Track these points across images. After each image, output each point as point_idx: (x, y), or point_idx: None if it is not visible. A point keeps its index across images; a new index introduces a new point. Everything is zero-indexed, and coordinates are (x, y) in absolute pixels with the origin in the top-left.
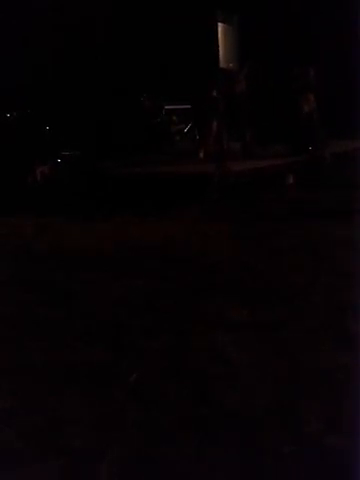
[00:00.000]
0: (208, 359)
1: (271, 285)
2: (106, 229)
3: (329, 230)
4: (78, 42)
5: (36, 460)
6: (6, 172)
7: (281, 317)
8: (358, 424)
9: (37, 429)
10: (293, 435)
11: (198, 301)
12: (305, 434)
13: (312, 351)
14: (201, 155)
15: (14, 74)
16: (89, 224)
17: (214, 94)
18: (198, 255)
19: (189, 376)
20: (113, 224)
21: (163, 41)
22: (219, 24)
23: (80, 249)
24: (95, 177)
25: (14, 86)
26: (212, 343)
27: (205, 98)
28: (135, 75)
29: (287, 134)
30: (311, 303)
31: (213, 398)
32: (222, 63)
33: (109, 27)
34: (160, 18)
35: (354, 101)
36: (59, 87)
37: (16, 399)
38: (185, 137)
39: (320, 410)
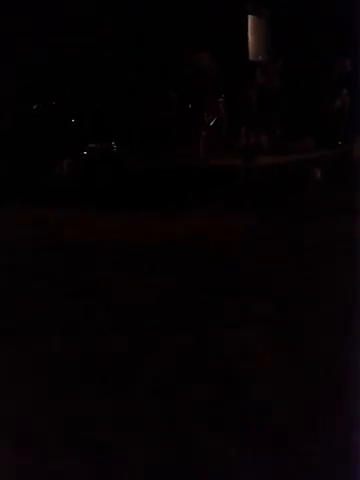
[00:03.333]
0: (229, 356)
1: (290, 282)
2: (131, 222)
3: (348, 228)
4: (106, 33)
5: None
6: (33, 164)
7: (300, 315)
8: None
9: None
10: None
11: (220, 296)
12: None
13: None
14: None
15: (40, 65)
16: (113, 217)
17: (243, 87)
18: (221, 250)
19: (210, 373)
20: (138, 217)
21: (192, 33)
22: (249, 16)
23: (104, 243)
24: (121, 170)
25: (40, 78)
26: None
27: (234, 91)
28: (163, 67)
29: (317, 128)
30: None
31: (235, 394)
32: (252, 56)
33: (137, 17)
34: (189, 9)
35: None
36: (86, 79)
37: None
38: (212, 130)
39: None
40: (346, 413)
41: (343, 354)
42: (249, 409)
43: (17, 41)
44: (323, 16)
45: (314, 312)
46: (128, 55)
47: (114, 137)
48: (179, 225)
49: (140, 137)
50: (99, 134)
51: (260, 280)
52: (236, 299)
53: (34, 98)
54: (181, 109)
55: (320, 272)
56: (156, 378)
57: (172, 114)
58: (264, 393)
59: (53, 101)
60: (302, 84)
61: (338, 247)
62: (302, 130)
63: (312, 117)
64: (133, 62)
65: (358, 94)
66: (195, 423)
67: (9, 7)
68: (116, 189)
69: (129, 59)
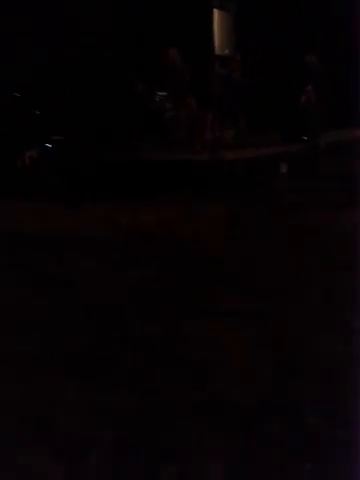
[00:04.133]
0: (199, 346)
1: (257, 273)
2: (96, 214)
3: (312, 219)
4: (70, 27)
5: None
6: None
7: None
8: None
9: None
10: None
11: (189, 288)
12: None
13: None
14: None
15: (3, 58)
16: (78, 209)
17: (210, 81)
18: (188, 240)
19: (181, 362)
20: (103, 209)
21: (158, 26)
22: (215, 10)
23: (71, 234)
24: (85, 162)
25: (2, 70)
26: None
27: (201, 85)
28: (128, 60)
29: (282, 123)
30: (298, 292)
31: (204, 383)
32: (217, 50)
33: (101, 12)
34: (155, 4)
35: (353, 90)
36: (49, 71)
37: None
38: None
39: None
40: (312, 397)
41: (312, 341)
42: (217, 394)
43: None
44: (290, 12)
45: (281, 300)
46: (98, 50)
47: (77, 129)
48: (147, 216)
49: (107, 130)
50: (64, 126)
51: (227, 270)
52: (203, 290)
53: None
54: (151, 102)
55: (287, 261)
56: (125, 368)
57: (139, 106)
58: (231, 379)
59: (17, 93)
60: (268, 79)
61: (305, 237)
62: (268, 125)
63: (278, 112)
64: (102, 56)
65: (323, 90)
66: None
67: None
68: (81, 181)
69: (98, 54)
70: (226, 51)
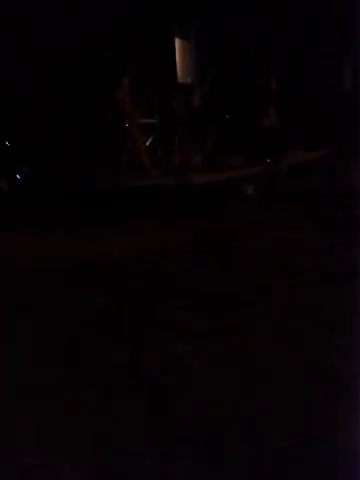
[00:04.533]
0: (165, 369)
1: (226, 293)
2: (62, 242)
3: (281, 237)
4: (43, 58)
5: None
6: None
7: (236, 323)
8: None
9: None
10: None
11: (157, 312)
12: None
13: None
14: (159, 168)
15: None
16: (44, 238)
17: (173, 108)
18: (156, 266)
19: (145, 387)
20: (69, 237)
21: (123, 55)
22: (176, 39)
23: (34, 262)
24: (52, 192)
25: None
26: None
27: (165, 112)
28: (96, 89)
29: (246, 146)
30: (264, 309)
31: (168, 408)
32: (180, 78)
33: (70, 43)
34: (120, 35)
35: (313, 112)
36: (19, 103)
37: None
38: (147, 150)
39: (276, 415)
40: (281, 414)
41: (279, 358)
42: (185, 417)
43: None
44: (248, 37)
45: (248, 321)
46: (60, 80)
47: (45, 160)
48: (115, 243)
49: (74, 158)
50: (31, 157)
51: (196, 293)
52: (172, 312)
53: None
54: (116, 130)
55: (257, 282)
56: (91, 396)
57: (107, 134)
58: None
59: None
60: (231, 104)
61: (274, 256)
62: (232, 148)
63: (242, 136)
64: (66, 87)
65: (284, 112)
66: (127, 438)
67: None
68: (50, 210)
69: (61, 83)
70: (188, 79)
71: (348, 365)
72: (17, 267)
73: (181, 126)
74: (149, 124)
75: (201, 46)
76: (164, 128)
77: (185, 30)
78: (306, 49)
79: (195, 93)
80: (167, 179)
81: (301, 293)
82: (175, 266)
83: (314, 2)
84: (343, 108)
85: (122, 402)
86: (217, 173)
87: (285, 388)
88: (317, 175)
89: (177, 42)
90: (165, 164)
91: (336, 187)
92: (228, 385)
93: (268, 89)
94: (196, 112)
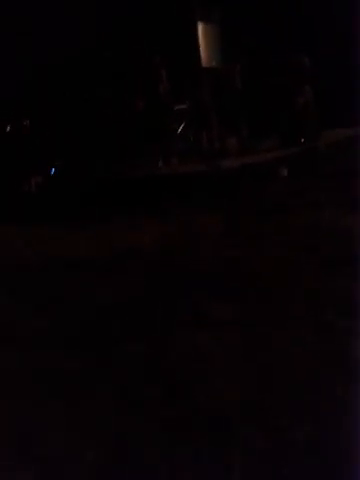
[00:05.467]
0: (190, 359)
1: (260, 284)
2: (102, 234)
3: (313, 220)
4: (66, 47)
5: None
6: (1, 182)
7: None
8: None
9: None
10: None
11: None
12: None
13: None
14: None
15: (11, 84)
16: (83, 231)
17: (202, 93)
18: (191, 257)
19: (169, 377)
20: (108, 229)
21: (147, 41)
22: (200, 23)
23: (71, 256)
24: (89, 183)
25: (11, 96)
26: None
27: (194, 97)
28: (126, 78)
29: (280, 127)
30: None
31: (190, 398)
32: (204, 62)
33: (94, 30)
34: (141, 20)
35: (349, 89)
36: (52, 96)
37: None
38: (180, 137)
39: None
40: (298, 407)
41: (295, 351)
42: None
43: None
44: (277, 15)
45: (273, 312)
46: (84, 67)
47: (80, 152)
48: (148, 235)
49: (106, 150)
50: (66, 149)
51: (227, 282)
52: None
53: (4, 116)
54: (147, 118)
55: (285, 271)
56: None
57: (138, 123)
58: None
59: (24, 119)
60: (263, 85)
61: (305, 243)
62: (267, 130)
63: (276, 116)
64: (93, 75)
65: (318, 90)
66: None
67: None
68: (84, 203)
69: (87, 73)
70: (214, 63)
71: None
72: (56, 264)
73: (212, 111)
74: (180, 110)
75: (228, 28)
76: (195, 114)
77: (209, 13)
78: (339, 24)
79: (225, 76)
80: (200, 165)
81: (323, 275)
82: (208, 252)
83: None
84: None
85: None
86: (251, 156)
87: None
88: (356, 154)
89: (201, 26)
90: (198, 150)
91: None
92: None
93: (301, 67)
94: (227, 95)
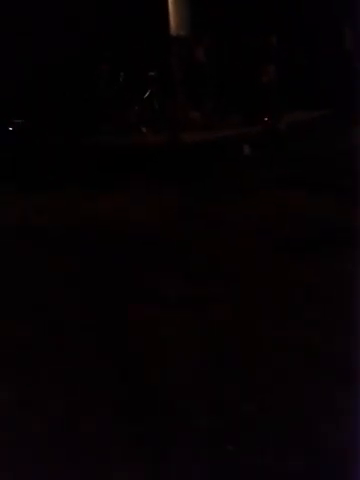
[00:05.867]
0: (139, 335)
1: (211, 261)
2: (53, 202)
3: (269, 200)
4: (31, 12)
5: None
6: None
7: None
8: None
9: None
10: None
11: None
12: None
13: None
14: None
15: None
16: (36, 199)
17: (168, 61)
18: (141, 229)
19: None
20: (59, 196)
21: (116, 8)
22: None
23: (18, 222)
24: (44, 147)
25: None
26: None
27: (160, 65)
28: (90, 43)
29: (243, 104)
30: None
31: (138, 376)
32: (173, 30)
33: None
34: None
35: (313, 71)
36: (11, 56)
37: None
38: (144, 105)
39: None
40: (244, 382)
41: (249, 327)
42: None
43: None
44: None
45: (225, 288)
46: (56, 34)
47: (38, 113)
48: (100, 205)
49: (67, 113)
50: (24, 110)
51: (177, 258)
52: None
53: None
54: (113, 83)
55: (237, 248)
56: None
57: (101, 88)
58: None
59: None
60: (228, 61)
61: (259, 223)
62: (231, 106)
63: (239, 93)
64: (64, 39)
65: (283, 71)
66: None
67: None
68: (36, 167)
69: (59, 38)
70: (181, 32)
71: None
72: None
73: (179, 81)
74: (148, 77)
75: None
76: (160, 82)
77: None
78: (308, 5)
79: (193, 47)
80: (158, 137)
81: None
82: (157, 232)
83: None
84: (344, 68)
85: None
86: (212, 132)
87: None
88: (315, 136)
89: None
90: (160, 120)
91: (334, 149)
92: None
93: (268, 46)
94: (194, 67)
